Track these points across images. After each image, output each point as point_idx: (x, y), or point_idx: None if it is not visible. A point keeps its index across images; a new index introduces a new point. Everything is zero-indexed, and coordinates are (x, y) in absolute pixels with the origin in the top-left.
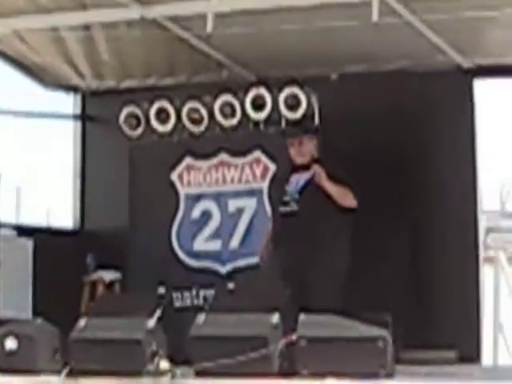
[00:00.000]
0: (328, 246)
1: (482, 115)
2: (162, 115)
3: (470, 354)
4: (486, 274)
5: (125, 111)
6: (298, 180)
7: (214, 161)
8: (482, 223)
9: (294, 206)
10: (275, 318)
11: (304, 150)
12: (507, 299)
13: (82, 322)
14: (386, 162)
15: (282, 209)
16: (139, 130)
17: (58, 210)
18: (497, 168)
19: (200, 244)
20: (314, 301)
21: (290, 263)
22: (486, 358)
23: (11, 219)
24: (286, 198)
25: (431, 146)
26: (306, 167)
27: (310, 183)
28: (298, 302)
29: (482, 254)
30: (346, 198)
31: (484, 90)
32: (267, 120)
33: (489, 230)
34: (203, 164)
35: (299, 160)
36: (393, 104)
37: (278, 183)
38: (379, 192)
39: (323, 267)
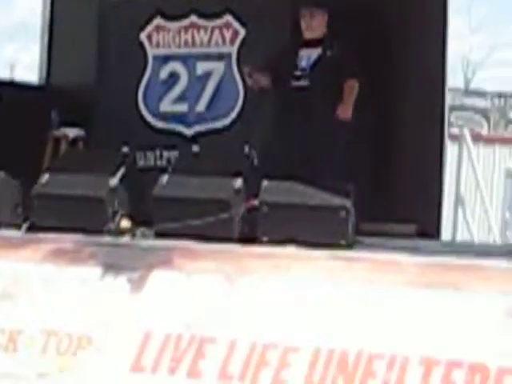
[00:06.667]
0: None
1: None
2: None
3: (430, 230)
4: (448, 151)
5: None
6: (309, 56)
7: (184, 22)
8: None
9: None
10: (238, 182)
11: (314, 24)
12: (469, 177)
13: (44, 178)
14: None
15: (295, 83)
16: None
17: (24, 65)
18: (462, 46)
19: (166, 105)
20: (278, 169)
21: (259, 132)
22: (446, 233)
23: None
24: (298, 73)
25: (401, 18)
26: (316, 42)
27: (320, 60)
28: (263, 169)
29: (446, 130)
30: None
31: None
32: None
33: (452, 108)
34: (173, 25)
35: (309, 35)
36: None
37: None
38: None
39: (291, 137)
